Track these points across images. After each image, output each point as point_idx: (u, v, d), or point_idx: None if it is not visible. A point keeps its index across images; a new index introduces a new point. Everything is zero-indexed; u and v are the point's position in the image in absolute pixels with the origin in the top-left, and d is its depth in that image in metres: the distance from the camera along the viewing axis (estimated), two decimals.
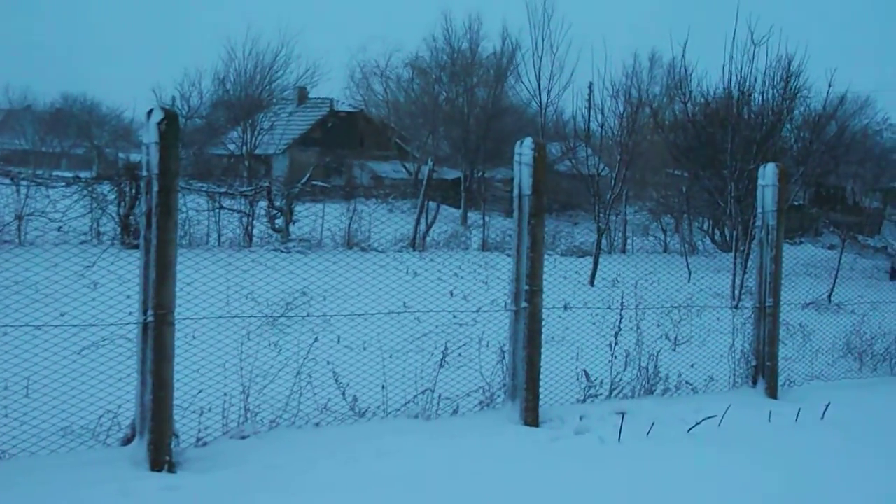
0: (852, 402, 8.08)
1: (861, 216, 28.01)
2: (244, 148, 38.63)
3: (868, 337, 10.63)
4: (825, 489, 5.90)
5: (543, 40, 35.46)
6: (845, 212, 26.60)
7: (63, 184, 18.17)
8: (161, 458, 5.29)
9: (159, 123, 5.24)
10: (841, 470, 6.32)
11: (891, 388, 9.24)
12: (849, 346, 10.81)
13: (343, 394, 6.82)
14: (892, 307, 11.96)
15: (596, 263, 18.85)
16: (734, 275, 17.10)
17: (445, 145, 38.42)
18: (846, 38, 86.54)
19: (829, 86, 20.38)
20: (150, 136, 5.28)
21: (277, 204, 22.13)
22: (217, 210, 20.59)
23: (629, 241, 28.09)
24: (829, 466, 6.38)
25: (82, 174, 22.47)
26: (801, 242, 29.11)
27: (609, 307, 10.18)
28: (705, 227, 29.03)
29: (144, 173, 5.30)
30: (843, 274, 19.14)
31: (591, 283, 18.21)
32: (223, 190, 21.60)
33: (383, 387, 6.94)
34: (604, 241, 21.78)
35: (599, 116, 25.04)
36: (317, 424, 6.41)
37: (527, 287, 6.69)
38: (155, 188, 5.23)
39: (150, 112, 5.33)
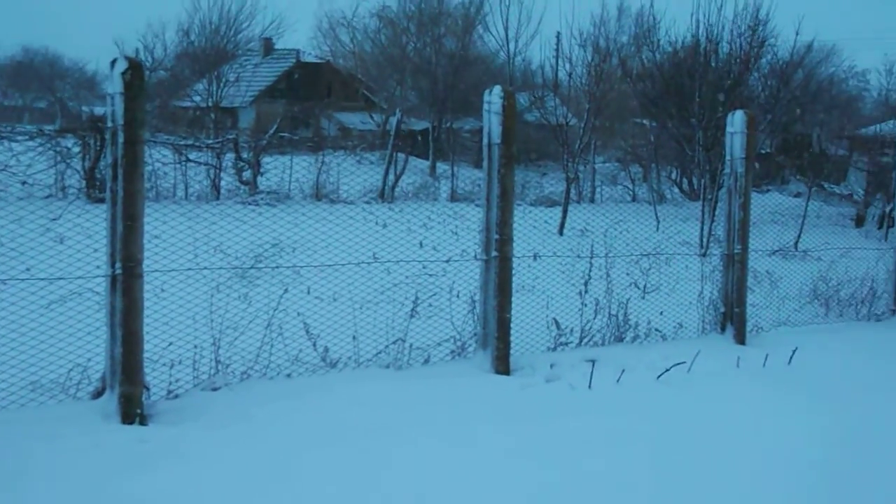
0: (819, 346, 8.19)
1: (827, 163, 28.15)
2: (210, 100, 38.19)
3: (834, 283, 10.75)
4: (787, 429, 5.98)
5: None
6: (811, 159, 26.73)
7: (26, 137, 17.91)
8: (132, 411, 5.27)
9: (123, 73, 5.15)
10: (808, 412, 6.41)
11: (855, 332, 9.37)
12: (815, 292, 10.94)
13: (314, 345, 6.81)
14: (857, 254, 12.08)
15: (565, 213, 18.88)
16: (702, 223, 17.18)
17: (413, 96, 38.20)
18: None
19: (797, 34, 20.43)
20: (114, 86, 5.19)
21: (244, 156, 21.95)
22: (184, 163, 20.39)
23: (598, 190, 28.14)
24: (796, 409, 6.45)
25: (46, 128, 22.12)
26: (768, 191, 29.27)
27: (578, 256, 10.20)
28: (673, 176, 29.12)
29: (110, 124, 5.23)
30: (810, 221, 19.30)
31: (561, 232, 18.25)
32: (189, 142, 21.41)
33: (354, 337, 6.94)
34: (572, 191, 21.80)
35: (567, 66, 24.96)
36: (288, 375, 6.41)
37: (497, 236, 6.69)
38: (121, 139, 5.16)
39: (113, 62, 5.24)
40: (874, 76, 50.61)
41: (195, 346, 6.30)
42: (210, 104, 38.26)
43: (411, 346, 6.98)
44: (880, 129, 25.23)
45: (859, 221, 23.38)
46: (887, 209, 20.00)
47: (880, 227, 21.18)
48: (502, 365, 6.78)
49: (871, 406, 6.69)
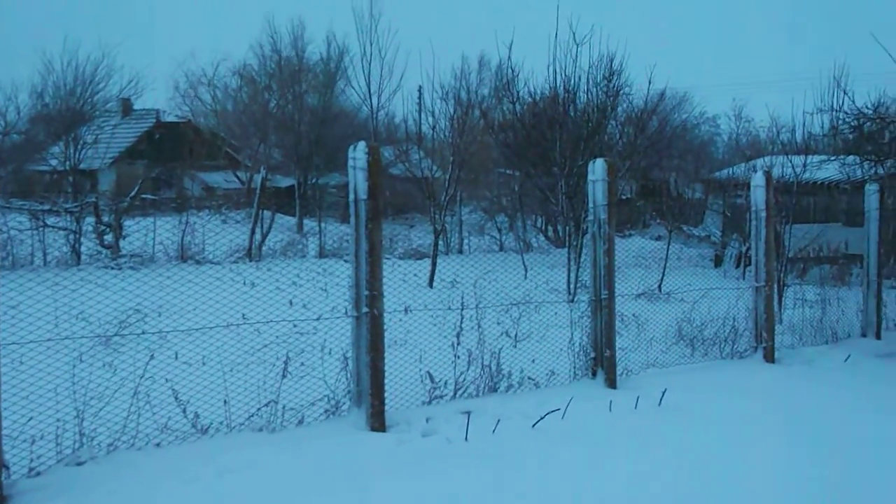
0: (686, 386, 8.38)
1: (685, 207, 29.06)
2: (67, 163, 37.12)
3: (698, 324, 11.06)
4: (662, 471, 6.08)
5: (371, 45, 35.38)
6: (669, 203, 27.56)
7: None
8: None
9: None
10: (676, 452, 6.53)
11: (719, 372, 9.61)
12: (681, 332, 11.22)
13: (184, 411, 6.62)
14: (717, 293, 12.44)
15: (434, 265, 18.94)
16: (569, 270, 17.47)
17: (277, 153, 37.90)
18: (664, 35, 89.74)
19: (650, 82, 21.04)
20: None
21: (105, 219, 21.41)
22: (41, 228, 19.76)
23: (465, 241, 28.36)
24: (666, 450, 6.57)
25: None
26: (630, 235, 30.04)
27: (449, 308, 10.25)
28: (539, 224, 29.60)
29: None
30: (671, 263, 19.84)
31: (431, 284, 18.29)
32: (46, 207, 20.77)
33: (225, 401, 6.78)
34: (441, 243, 21.93)
35: (430, 119, 25.17)
36: (157, 445, 6.21)
37: (367, 292, 6.65)
38: None
39: None
40: (724, 121, 52.63)
41: (58, 420, 6.05)
42: (68, 167, 37.22)
43: (284, 407, 6.86)
44: (733, 172, 26.15)
45: (717, 262, 24.15)
46: (743, 249, 20.69)
47: (737, 266, 21.90)
48: (378, 422, 6.71)
49: (734, 441, 6.88)
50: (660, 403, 7.75)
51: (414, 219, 32.06)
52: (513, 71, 21.56)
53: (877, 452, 6.90)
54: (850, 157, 20.74)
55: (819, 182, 23.07)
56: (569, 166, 18.42)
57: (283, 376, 7.10)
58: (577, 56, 19.28)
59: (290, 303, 14.29)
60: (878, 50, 15.07)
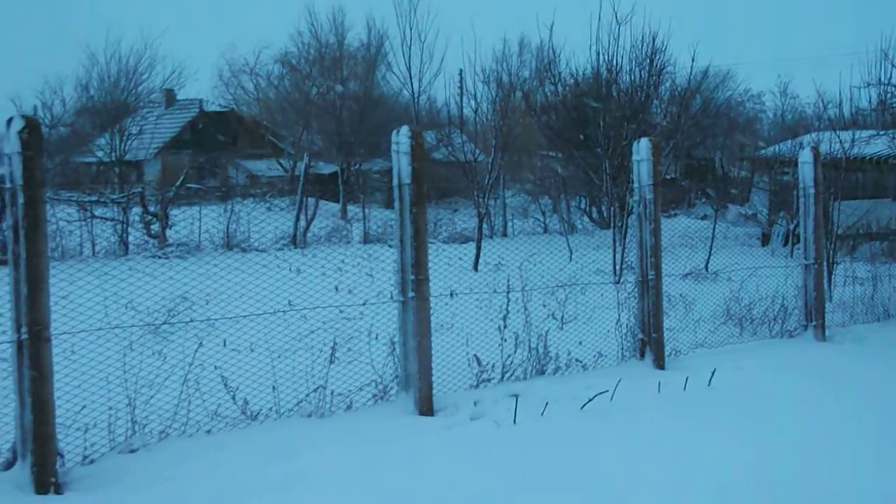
0: (735, 366, 8.30)
1: (731, 185, 28.78)
2: (113, 154, 37.54)
3: (746, 303, 10.95)
4: (715, 452, 6.03)
5: (411, 29, 35.55)
6: (715, 182, 27.30)
7: None
8: (46, 480, 5.09)
9: (20, 132, 5.02)
10: (727, 432, 6.48)
11: (770, 350, 9.50)
12: (729, 312, 11.12)
13: (233, 398, 6.67)
14: (766, 272, 12.30)
15: (479, 248, 18.94)
16: (614, 251, 17.39)
17: (320, 140, 38.09)
18: (706, 12, 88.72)
19: (693, 60, 20.87)
20: (11, 146, 5.05)
21: (152, 209, 21.63)
22: (89, 219, 20.01)
23: (509, 224, 28.33)
24: (717, 429, 6.52)
25: None
26: (675, 214, 29.81)
27: (495, 291, 10.22)
28: (583, 206, 29.47)
29: (8, 185, 5.08)
30: (718, 243, 19.67)
31: (476, 268, 18.29)
32: (94, 199, 21.03)
33: (274, 387, 6.82)
34: (485, 226, 21.92)
35: (472, 102, 25.17)
36: (208, 431, 6.26)
37: (413, 277, 6.65)
38: (20, 200, 5.01)
39: (9, 121, 5.11)
40: (769, 98, 51.90)
41: (110, 408, 6.12)
42: (114, 158, 37.62)
43: (333, 392, 6.88)
44: (779, 150, 25.84)
45: (765, 240, 23.89)
46: (791, 227, 20.45)
47: (785, 244, 21.66)
48: (426, 406, 6.71)
49: (789, 423, 6.80)
50: (709, 384, 7.68)
51: (458, 203, 32.05)
52: (554, 52, 21.50)
53: None
54: None
55: (868, 157, 22.71)
56: (612, 146, 18.30)
57: (331, 362, 7.12)
58: (619, 35, 19.17)
59: (336, 288, 14.35)
60: None
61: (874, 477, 5.78)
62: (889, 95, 18.59)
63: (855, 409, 7.20)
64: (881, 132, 21.04)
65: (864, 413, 7.12)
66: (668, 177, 29.29)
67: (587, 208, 29.29)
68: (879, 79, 18.13)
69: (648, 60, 19.94)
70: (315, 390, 6.79)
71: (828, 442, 6.44)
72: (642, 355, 8.49)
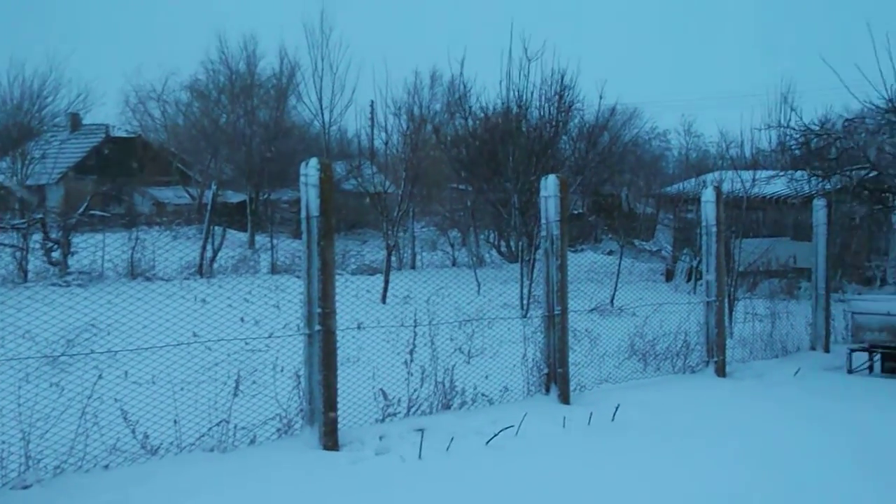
0: (639, 402, 8.41)
1: (636, 222, 29.31)
2: (15, 179, 36.70)
3: (650, 338, 11.11)
4: (617, 487, 6.08)
5: (323, 60, 35.48)
6: (621, 218, 27.75)
7: None
8: None
9: None
10: (630, 467, 6.54)
11: (672, 386, 9.66)
12: (633, 347, 11.26)
13: (133, 431, 6.52)
14: (669, 308, 12.50)
15: (387, 281, 18.88)
16: (521, 285, 17.50)
17: (229, 168, 37.69)
18: (614, 51, 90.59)
19: (601, 97, 21.28)
20: None
21: (53, 236, 21.11)
22: None
23: (418, 256, 28.32)
24: (620, 465, 6.58)
25: None
26: (582, 249, 30.17)
27: (402, 324, 10.19)
28: (491, 240, 29.64)
29: None
30: (623, 278, 19.94)
31: (384, 300, 18.22)
32: None
33: (175, 421, 6.68)
34: (393, 258, 21.88)
35: (383, 134, 25.23)
36: (106, 467, 6.10)
37: (319, 309, 6.60)
38: None
39: None
40: (674, 136, 53.00)
41: (2, 442, 5.92)
42: (15, 183, 36.74)
43: (236, 426, 6.77)
44: (683, 187, 26.41)
45: (669, 276, 24.32)
46: (694, 263, 20.85)
47: (688, 281, 22.06)
48: (331, 440, 6.65)
49: (688, 459, 6.90)
50: (613, 419, 7.76)
51: (367, 234, 31.95)
52: (465, 86, 21.71)
53: (808, 464, 6.93)
54: (798, 173, 21.03)
55: (768, 196, 23.36)
56: (521, 181, 18.47)
57: (235, 395, 7.01)
58: (529, 72, 19.42)
59: (242, 320, 14.17)
60: (824, 66, 15.33)
61: None
62: (788, 137, 19.14)
63: (745, 448, 7.33)
64: (780, 172, 21.64)
65: (751, 453, 7.24)
66: (576, 212, 29.70)
67: (496, 242, 29.47)
68: (779, 122, 18.68)
69: (557, 97, 20.25)
70: (218, 424, 6.67)
71: (721, 477, 6.54)
72: (548, 390, 8.54)
